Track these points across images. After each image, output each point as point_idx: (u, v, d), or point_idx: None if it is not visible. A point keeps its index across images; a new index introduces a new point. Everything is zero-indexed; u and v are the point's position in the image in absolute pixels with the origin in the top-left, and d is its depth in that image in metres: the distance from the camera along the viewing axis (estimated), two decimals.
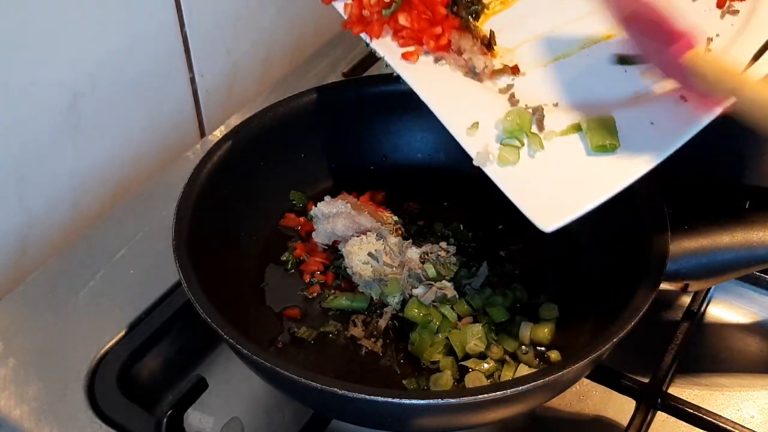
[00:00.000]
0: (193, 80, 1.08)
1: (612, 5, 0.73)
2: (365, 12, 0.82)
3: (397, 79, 0.85)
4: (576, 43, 0.80)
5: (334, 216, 0.85)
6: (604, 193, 0.69)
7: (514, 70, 0.80)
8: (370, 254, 0.81)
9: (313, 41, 1.24)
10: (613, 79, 0.77)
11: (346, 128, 0.92)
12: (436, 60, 0.81)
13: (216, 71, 1.11)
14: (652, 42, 0.71)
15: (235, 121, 0.99)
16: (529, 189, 0.71)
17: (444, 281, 0.80)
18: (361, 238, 0.83)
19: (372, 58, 1.16)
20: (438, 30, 0.80)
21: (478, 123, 0.74)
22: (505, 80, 0.80)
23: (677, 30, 0.68)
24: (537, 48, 0.81)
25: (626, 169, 0.69)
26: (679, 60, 0.68)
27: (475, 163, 0.73)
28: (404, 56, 0.81)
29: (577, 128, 0.73)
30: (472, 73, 0.80)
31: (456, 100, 0.78)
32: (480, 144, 0.73)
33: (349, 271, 0.83)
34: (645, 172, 0.69)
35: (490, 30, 0.82)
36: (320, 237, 0.87)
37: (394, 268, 0.81)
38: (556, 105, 0.76)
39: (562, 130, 0.74)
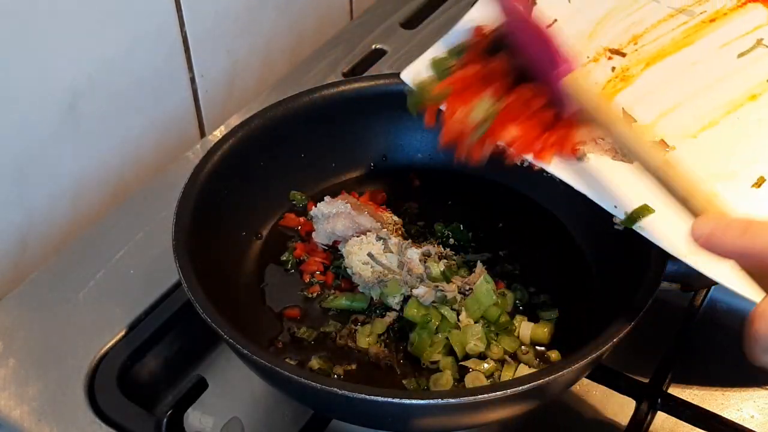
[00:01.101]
0: (193, 80, 1.08)
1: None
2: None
3: (398, 78, 0.84)
4: (719, 108, 0.75)
5: (334, 216, 0.85)
6: None
7: (662, 145, 0.73)
8: (369, 255, 0.81)
9: (313, 41, 1.24)
10: None
11: (346, 128, 0.92)
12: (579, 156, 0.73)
13: (216, 71, 1.12)
14: (538, 60, 0.71)
15: (235, 121, 0.99)
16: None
17: (446, 282, 0.80)
18: (361, 238, 0.83)
19: (372, 58, 1.17)
20: (551, 138, 0.73)
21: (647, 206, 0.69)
22: None
23: (560, 54, 0.69)
24: (678, 119, 0.75)
25: None
26: (559, 84, 0.68)
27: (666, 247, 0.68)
28: (536, 158, 0.73)
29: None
30: (621, 155, 0.73)
31: (615, 186, 0.72)
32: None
33: (349, 271, 0.83)
34: None
35: (621, 108, 0.76)
36: (320, 237, 0.87)
37: (394, 269, 0.81)
38: None
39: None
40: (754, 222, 0.57)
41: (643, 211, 0.69)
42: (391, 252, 0.82)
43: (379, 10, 1.25)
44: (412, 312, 0.78)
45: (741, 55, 0.79)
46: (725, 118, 0.75)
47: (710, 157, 0.73)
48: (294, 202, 0.90)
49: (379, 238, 0.82)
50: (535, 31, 0.71)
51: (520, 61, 0.72)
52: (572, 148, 0.73)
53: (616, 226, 0.72)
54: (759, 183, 0.71)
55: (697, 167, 0.70)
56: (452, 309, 0.78)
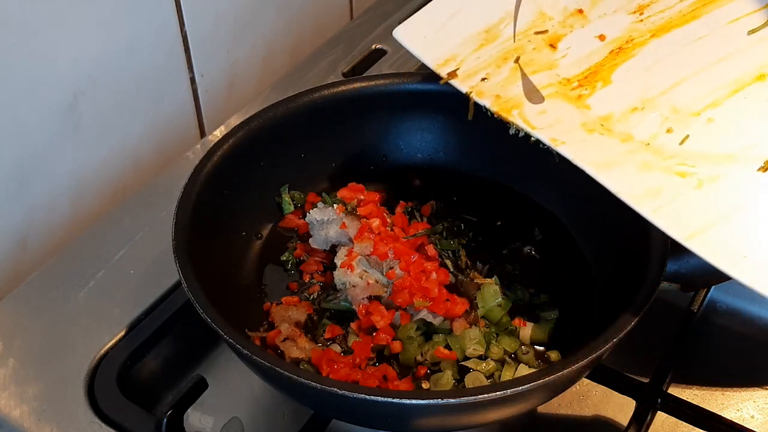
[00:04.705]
0: (193, 80, 1.08)
1: None
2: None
3: (398, 77, 0.84)
4: (725, 86, 0.73)
5: (327, 223, 0.85)
6: None
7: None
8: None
9: (313, 41, 1.24)
10: None
11: (346, 128, 0.92)
12: None
13: (216, 71, 1.11)
14: None
15: (235, 121, 0.99)
16: (738, 254, 0.64)
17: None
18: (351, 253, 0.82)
19: (372, 58, 1.17)
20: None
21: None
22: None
23: None
24: (682, 95, 0.74)
25: None
26: None
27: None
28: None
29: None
30: None
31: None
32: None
33: (337, 282, 0.82)
34: None
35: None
36: (317, 243, 0.86)
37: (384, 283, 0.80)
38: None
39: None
40: None
41: None
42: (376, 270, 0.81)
43: (379, 10, 1.25)
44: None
45: (751, 32, 0.77)
46: (731, 98, 0.73)
47: (713, 137, 0.71)
48: (294, 203, 0.90)
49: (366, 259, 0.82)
50: None
51: None
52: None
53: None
54: (766, 167, 0.68)
55: (700, 146, 0.69)
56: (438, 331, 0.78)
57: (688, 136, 0.71)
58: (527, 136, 0.76)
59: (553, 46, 0.81)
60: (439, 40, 0.84)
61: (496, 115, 0.77)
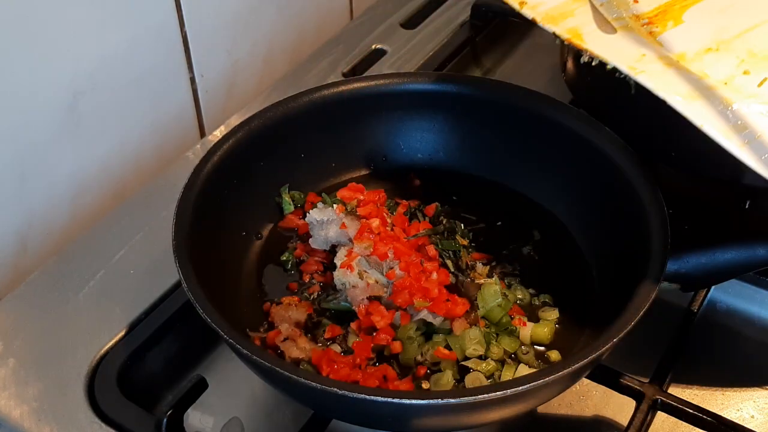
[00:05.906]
0: (193, 80, 1.08)
1: None
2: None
3: (398, 77, 0.84)
4: None
5: (327, 223, 0.85)
6: None
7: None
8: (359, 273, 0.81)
9: (313, 41, 1.24)
10: None
11: (346, 128, 0.92)
12: None
13: (216, 71, 1.12)
14: None
15: (235, 121, 0.99)
16: None
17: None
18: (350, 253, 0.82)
19: (372, 58, 1.17)
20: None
21: None
22: None
23: None
24: (753, 40, 0.73)
25: None
26: None
27: None
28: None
29: None
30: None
31: None
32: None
33: (337, 282, 0.82)
34: None
35: None
36: (317, 243, 0.86)
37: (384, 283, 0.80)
38: None
39: None
40: None
41: None
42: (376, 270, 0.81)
43: (379, 10, 1.25)
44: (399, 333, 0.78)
45: None
46: None
47: None
48: (294, 202, 0.90)
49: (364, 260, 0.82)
50: None
51: None
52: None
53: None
54: None
55: None
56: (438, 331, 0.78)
57: (766, 79, 0.71)
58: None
59: None
60: None
61: (566, 42, 0.76)
